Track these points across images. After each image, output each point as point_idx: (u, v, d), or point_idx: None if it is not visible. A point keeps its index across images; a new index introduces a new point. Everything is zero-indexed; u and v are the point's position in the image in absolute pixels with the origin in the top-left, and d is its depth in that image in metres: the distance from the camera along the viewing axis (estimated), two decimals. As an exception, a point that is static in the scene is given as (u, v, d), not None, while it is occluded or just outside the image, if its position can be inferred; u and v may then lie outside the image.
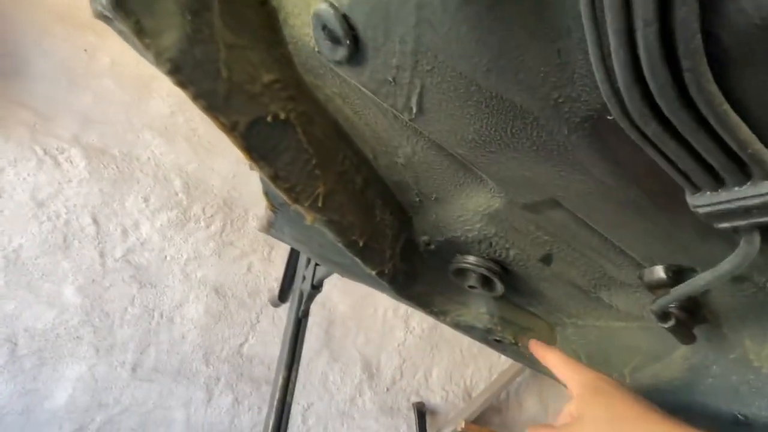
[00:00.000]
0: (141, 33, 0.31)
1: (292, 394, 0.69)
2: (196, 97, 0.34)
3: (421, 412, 2.17)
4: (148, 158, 1.80)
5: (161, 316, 1.69)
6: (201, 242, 1.82)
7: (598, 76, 0.24)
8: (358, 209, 0.49)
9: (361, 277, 0.59)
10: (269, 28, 0.35)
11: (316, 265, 0.75)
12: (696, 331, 0.42)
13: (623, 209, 0.36)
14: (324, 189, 0.44)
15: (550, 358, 0.50)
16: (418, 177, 0.47)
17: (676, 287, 0.37)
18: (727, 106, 0.23)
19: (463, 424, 2.11)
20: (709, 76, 0.22)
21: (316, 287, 0.74)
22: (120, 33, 0.33)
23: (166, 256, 1.75)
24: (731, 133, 0.23)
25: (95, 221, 1.65)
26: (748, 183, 0.26)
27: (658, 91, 0.22)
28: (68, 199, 1.61)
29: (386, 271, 0.56)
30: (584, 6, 0.21)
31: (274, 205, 0.49)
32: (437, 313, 0.67)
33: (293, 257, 0.81)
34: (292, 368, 0.69)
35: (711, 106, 0.22)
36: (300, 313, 0.73)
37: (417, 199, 0.52)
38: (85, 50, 1.79)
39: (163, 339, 1.66)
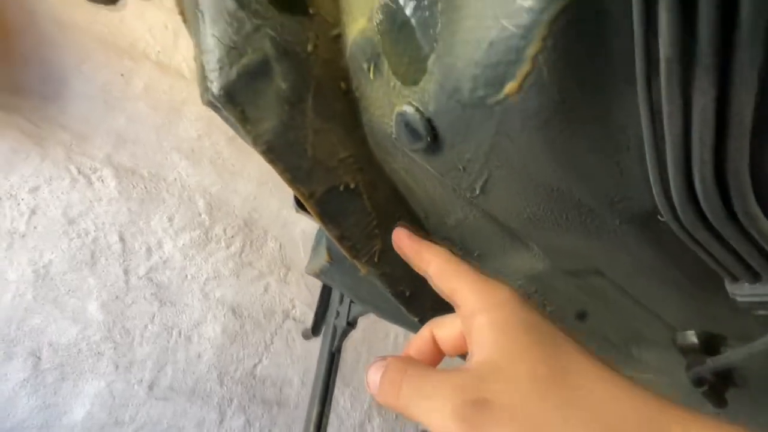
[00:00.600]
0: (244, 121, 0.36)
1: (326, 429, 0.71)
2: (284, 172, 0.38)
3: (430, 441, 2.15)
4: (175, 179, 1.86)
5: (179, 334, 1.72)
6: (221, 262, 1.87)
7: (655, 189, 0.28)
8: (405, 262, 0.53)
9: (401, 322, 0.62)
10: (350, 113, 0.40)
11: (351, 302, 0.78)
12: (727, 394, 0.45)
13: (663, 285, 0.39)
14: (380, 246, 0.49)
15: (430, 257, 0.32)
16: (464, 237, 0.51)
17: (714, 358, 0.40)
18: (765, 223, 0.26)
19: None
20: (753, 201, 0.26)
21: (351, 324, 0.77)
22: (224, 118, 0.38)
23: (186, 275, 1.79)
24: (769, 243, 0.27)
25: (122, 239, 1.70)
26: (784, 282, 0.29)
27: (710, 211, 0.26)
28: (97, 217, 1.67)
29: (426, 320, 0.59)
30: (647, 139, 0.26)
31: (332, 257, 0.53)
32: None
33: (326, 292, 0.84)
34: (325, 403, 0.71)
35: (754, 224, 0.26)
36: (333, 349, 0.76)
37: (459, 253, 0.56)
38: (122, 75, 1.88)
39: (180, 358, 1.69)
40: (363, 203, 0.44)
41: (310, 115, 0.37)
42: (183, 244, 1.81)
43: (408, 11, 0.29)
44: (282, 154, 0.38)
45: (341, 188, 0.42)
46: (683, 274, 0.36)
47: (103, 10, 1.91)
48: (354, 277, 0.54)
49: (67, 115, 1.73)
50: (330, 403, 0.73)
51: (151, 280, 1.72)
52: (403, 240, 0.37)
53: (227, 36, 0.33)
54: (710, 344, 0.45)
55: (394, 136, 0.37)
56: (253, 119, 0.36)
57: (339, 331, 0.76)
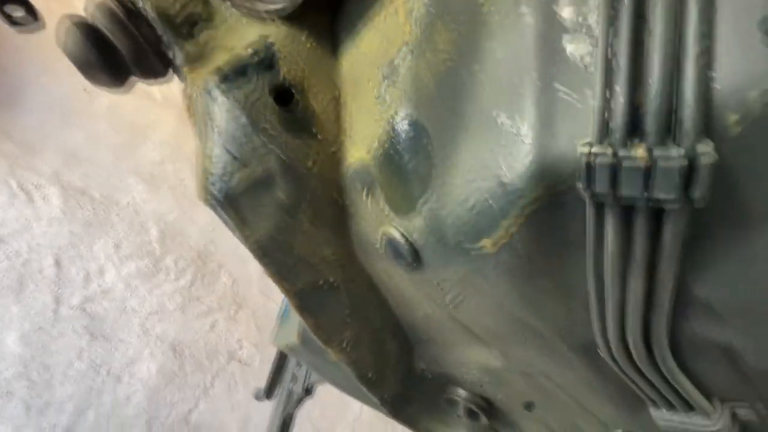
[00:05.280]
0: (243, 225, 0.38)
1: None
2: (273, 273, 0.40)
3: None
4: (128, 203, 1.77)
5: (108, 373, 1.57)
6: (167, 295, 1.77)
7: (597, 339, 0.33)
8: (373, 346, 0.56)
9: (361, 399, 0.64)
10: (340, 219, 0.43)
11: (308, 370, 0.78)
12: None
13: (599, 394, 0.45)
14: (351, 335, 0.51)
15: None
16: (430, 327, 0.55)
17: (637, 466, 0.45)
18: (681, 376, 0.33)
19: None
20: (670, 358, 0.32)
21: (308, 392, 0.75)
22: (221, 218, 0.39)
23: (126, 308, 1.67)
24: (683, 388, 0.33)
25: (57, 263, 1.57)
26: (694, 416, 0.36)
27: (639, 360, 0.32)
28: (33, 238, 1.54)
29: (388, 398, 0.61)
30: (593, 305, 0.31)
31: (303, 339, 0.54)
32: (422, 431, 0.72)
33: (284, 354, 0.83)
34: None
35: (671, 373, 0.32)
36: (287, 417, 0.74)
37: (424, 338, 0.59)
38: (86, 90, 1.80)
39: (105, 400, 1.54)
40: (340, 297, 0.47)
41: (304, 222, 0.40)
42: (127, 273, 1.70)
43: (406, 164, 0.34)
44: (272, 255, 0.40)
45: (321, 283, 0.44)
46: (616, 391, 0.42)
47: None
48: (322, 358, 0.55)
49: (18, 125, 1.62)
50: None
51: (85, 311, 1.58)
52: None
53: (236, 148, 0.36)
54: (636, 443, 0.51)
55: (380, 250, 0.41)
56: (251, 224, 0.38)
57: (294, 398, 0.75)
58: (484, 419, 0.63)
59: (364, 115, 0.38)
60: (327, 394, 2.26)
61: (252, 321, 2.00)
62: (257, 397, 0.84)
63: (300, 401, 0.77)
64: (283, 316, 0.63)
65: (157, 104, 1.93)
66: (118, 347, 1.61)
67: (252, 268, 2.06)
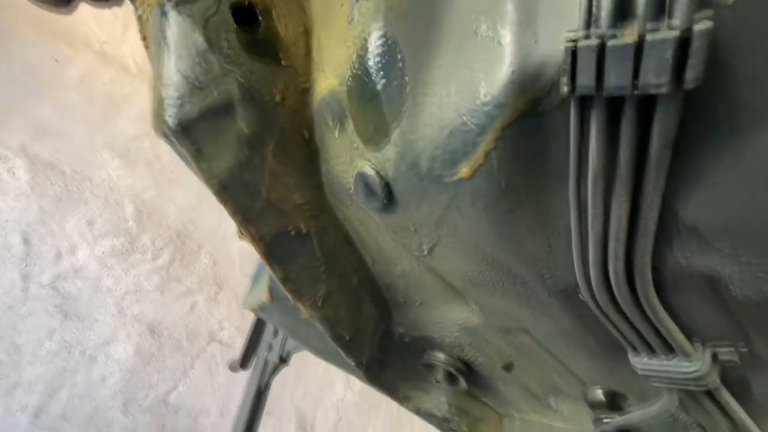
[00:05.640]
0: (199, 158, 0.35)
1: None
2: (235, 213, 0.37)
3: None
4: (103, 180, 1.70)
5: (82, 354, 1.52)
6: (144, 275, 1.71)
7: (578, 274, 0.32)
8: (349, 306, 0.53)
9: (337, 363, 0.61)
10: (310, 160, 0.40)
11: (286, 337, 0.75)
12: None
13: (578, 347, 0.44)
14: (325, 290, 0.48)
15: None
16: (408, 286, 0.53)
17: (615, 419, 0.44)
18: (663, 313, 0.31)
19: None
20: (653, 293, 0.30)
21: (284, 360, 0.73)
22: (178, 152, 0.36)
23: (101, 287, 1.61)
24: (665, 327, 0.32)
25: (26, 240, 1.50)
26: (674, 359, 0.34)
27: (620, 296, 0.30)
28: (0, 213, 1.46)
29: (363, 362, 0.59)
30: (574, 233, 0.29)
31: (273, 296, 0.51)
32: (401, 399, 0.70)
33: (260, 323, 0.80)
34: None
35: (653, 310, 0.31)
36: (263, 385, 0.71)
37: (402, 299, 0.57)
38: (56, 60, 1.71)
39: (79, 381, 1.49)
40: (312, 248, 0.44)
41: (270, 160, 0.37)
42: (102, 252, 1.63)
43: (378, 86, 0.31)
44: (235, 194, 0.37)
45: (292, 232, 0.42)
46: (596, 341, 0.41)
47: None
48: (294, 317, 0.53)
49: (-20, 93, 1.52)
50: None
51: (57, 290, 1.52)
52: None
53: (194, 74, 0.33)
54: (614, 401, 0.50)
55: (351, 191, 0.38)
56: (208, 156, 0.35)
57: (270, 366, 0.72)
58: (462, 383, 0.61)
59: (335, 42, 0.35)
60: (310, 376, 2.24)
61: (233, 302, 1.96)
62: (232, 368, 0.81)
63: (275, 370, 0.74)
64: (256, 278, 0.60)
65: (131, 75, 1.85)
66: (92, 327, 1.56)
67: (233, 249, 2.01)
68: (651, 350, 0.35)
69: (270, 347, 0.75)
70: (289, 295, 0.46)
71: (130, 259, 1.69)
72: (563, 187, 0.27)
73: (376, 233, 0.44)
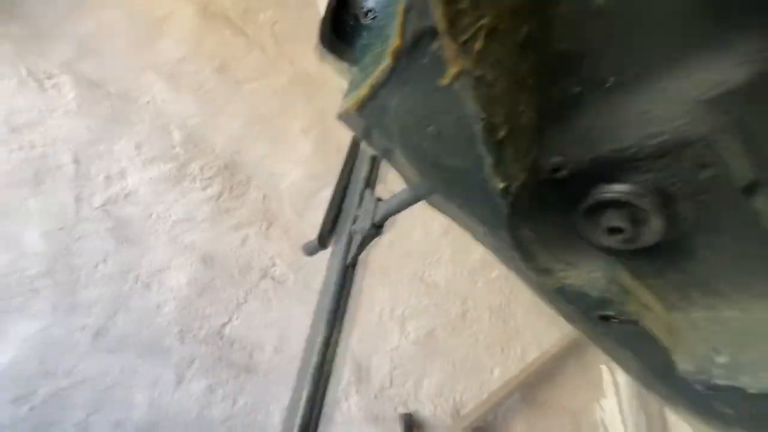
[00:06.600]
0: None
1: (332, 362, 0.51)
2: None
3: (409, 425, 1.97)
4: (148, 102, 1.60)
5: (136, 280, 1.46)
6: (194, 204, 1.62)
7: None
8: (509, 77, 0.34)
9: (463, 195, 0.43)
10: None
11: (378, 200, 0.58)
12: None
13: None
14: (488, 23, 0.29)
15: None
16: (612, 36, 0.32)
17: None
18: None
19: (453, 443, 1.93)
20: None
21: (379, 227, 0.56)
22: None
23: (152, 214, 1.54)
24: None
25: (76, 161, 1.43)
26: None
27: None
28: (48, 131, 1.39)
29: (512, 189, 0.40)
30: None
31: (403, 41, 0.32)
32: (539, 271, 0.51)
33: (339, 192, 0.63)
34: (334, 328, 0.51)
35: None
36: (349, 260, 0.55)
37: (577, 89, 0.37)
38: (95, -25, 1.60)
39: (134, 306, 1.44)
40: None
41: None
42: (151, 178, 1.55)
43: None
44: None
45: None
46: None
47: None
48: (422, 98, 0.35)
49: (25, 6, 1.44)
50: (340, 331, 0.52)
51: (108, 214, 1.46)
52: None
53: None
54: None
55: None
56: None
57: (358, 238, 0.56)
58: (658, 224, 0.41)
59: None
60: (365, 322, 2.14)
61: (284, 239, 1.85)
62: (308, 251, 0.66)
63: (366, 243, 0.57)
64: (353, 83, 0.41)
65: (173, -8, 1.72)
66: (145, 254, 1.50)
67: (283, 185, 1.89)
68: None
69: (355, 219, 0.59)
70: (439, 16, 0.27)
71: (179, 187, 1.60)
72: None
73: None
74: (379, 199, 0.58)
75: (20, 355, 1.24)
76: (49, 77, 1.43)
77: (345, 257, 0.56)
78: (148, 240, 1.51)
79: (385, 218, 0.54)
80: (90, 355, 1.33)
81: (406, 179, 0.49)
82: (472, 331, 2.31)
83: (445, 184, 0.43)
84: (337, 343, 0.52)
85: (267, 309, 1.71)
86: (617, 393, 2.34)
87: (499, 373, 2.38)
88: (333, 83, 2.03)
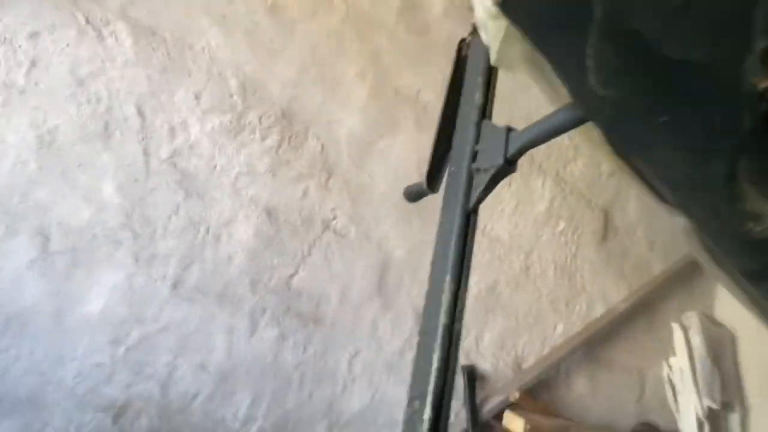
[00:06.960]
0: None
1: (461, 321, 0.44)
2: None
3: (471, 377, 1.97)
4: (203, 48, 1.53)
5: (207, 231, 1.48)
6: (255, 156, 1.58)
7: None
8: None
9: (686, 100, 0.31)
10: None
11: (509, 130, 0.46)
12: None
13: None
14: None
15: None
16: None
17: None
18: None
19: (517, 395, 1.91)
20: None
21: (512, 162, 0.44)
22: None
23: (215, 166, 1.51)
24: None
25: (140, 113, 1.41)
26: None
27: None
28: (111, 82, 1.37)
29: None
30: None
31: None
32: (746, 215, 0.39)
33: (446, 125, 0.52)
34: (460, 285, 0.44)
35: None
36: (472, 204, 0.46)
37: None
38: None
39: (207, 257, 1.46)
40: None
41: None
42: (212, 129, 1.51)
43: None
44: None
45: None
46: None
47: None
48: None
49: (71, -51, 1.37)
50: (467, 284, 0.45)
51: (175, 166, 1.45)
52: None
53: None
54: None
55: None
56: None
57: (482, 179, 0.46)
58: None
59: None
60: (425, 276, 2.08)
61: (344, 191, 1.79)
62: (411, 197, 0.57)
63: (496, 182, 0.46)
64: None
65: None
66: (212, 206, 1.49)
67: (341, 133, 1.79)
68: None
69: (474, 155, 0.48)
70: None
71: (239, 138, 1.56)
72: None
73: None
74: (510, 129, 0.46)
75: (111, 301, 1.31)
76: (106, 24, 1.38)
77: (466, 201, 0.47)
78: (214, 192, 1.50)
79: (521, 152, 0.43)
80: (171, 302, 1.39)
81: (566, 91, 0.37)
82: (535, 286, 2.20)
83: (659, 82, 0.30)
84: (464, 300, 0.45)
85: (330, 261, 1.69)
86: (689, 352, 2.19)
87: (562, 329, 2.28)
88: (388, 21, 1.85)
